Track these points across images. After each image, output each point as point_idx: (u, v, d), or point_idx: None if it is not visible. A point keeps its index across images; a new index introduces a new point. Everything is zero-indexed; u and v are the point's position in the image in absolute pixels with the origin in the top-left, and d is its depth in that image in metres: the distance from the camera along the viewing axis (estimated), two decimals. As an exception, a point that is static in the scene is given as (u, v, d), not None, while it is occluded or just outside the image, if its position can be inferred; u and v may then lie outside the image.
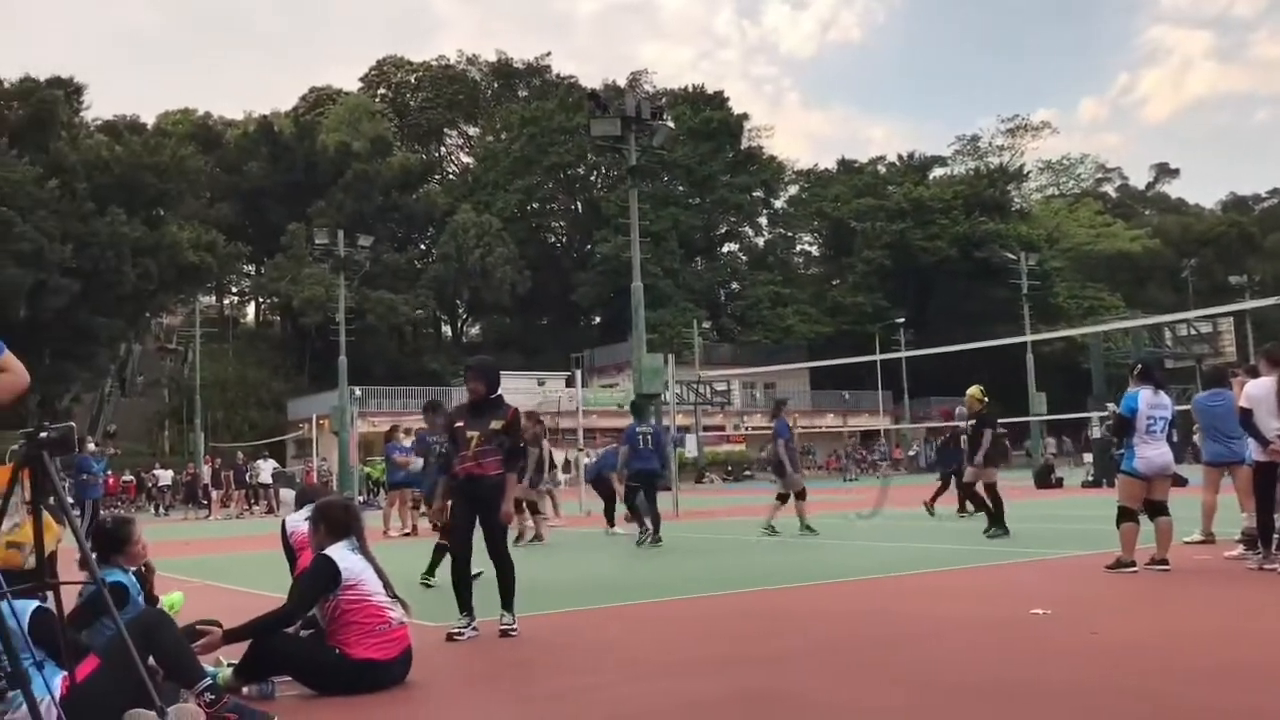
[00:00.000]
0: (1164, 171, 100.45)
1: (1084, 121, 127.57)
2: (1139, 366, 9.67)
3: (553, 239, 78.45)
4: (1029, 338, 40.49)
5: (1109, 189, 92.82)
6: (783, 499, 14.65)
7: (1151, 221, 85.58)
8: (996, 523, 12.98)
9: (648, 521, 13.87)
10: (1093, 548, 10.66)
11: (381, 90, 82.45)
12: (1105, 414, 13.66)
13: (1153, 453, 8.93)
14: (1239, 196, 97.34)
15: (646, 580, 10.20)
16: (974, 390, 14.15)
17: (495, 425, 6.83)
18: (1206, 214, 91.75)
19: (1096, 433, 27.73)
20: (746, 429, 57.57)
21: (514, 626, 6.74)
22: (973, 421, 14.02)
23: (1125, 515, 8.97)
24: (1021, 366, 46.42)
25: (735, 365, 54.97)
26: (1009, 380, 54.08)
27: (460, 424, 6.93)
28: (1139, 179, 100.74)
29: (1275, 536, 8.68)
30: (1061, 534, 13.82)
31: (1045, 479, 28.85)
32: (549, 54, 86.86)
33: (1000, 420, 15.21)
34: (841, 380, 60.54)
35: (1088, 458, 30.97)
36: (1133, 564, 8.80)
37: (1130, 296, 70.53)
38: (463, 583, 6.79)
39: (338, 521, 5.51)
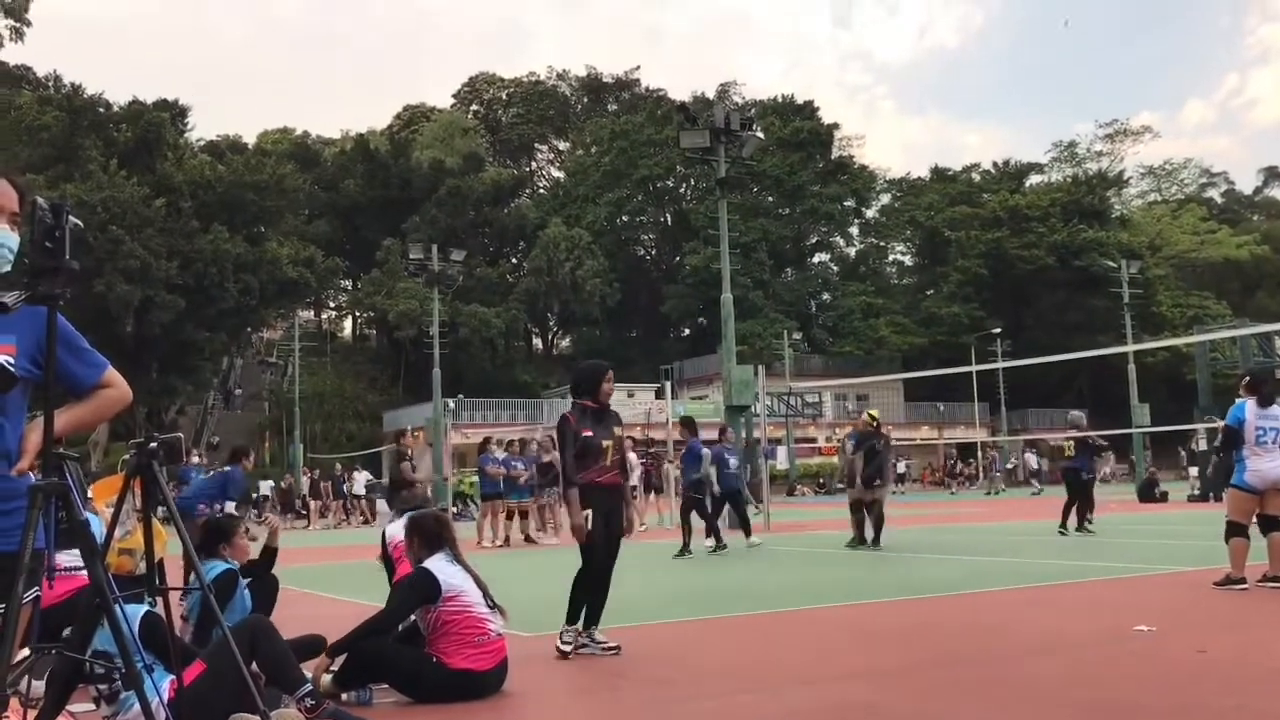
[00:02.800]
0: (1273, 175, 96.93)
1: (1190, 124, 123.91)
2: (1247, 377, 9.41)
3: (642, 251, 78.72)
4: (1131, 347, 39.40)
5: (1214, 194, 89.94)
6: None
7: (1260, 227, 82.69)
8: (859, 541, 14.47)
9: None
10: (1199, 564, 10.33)
11: (474, 107, 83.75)
12: (1211, 425, 13.47)
13: (1265, 465, 8.62)
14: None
15: (738, 592, 10.15)
16: (872, 413, 15.57)
17: (619, 432, 6.65)
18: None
19: (1203, 445, 26.86)
20: (839, 441, 56.94)
21: (614, 644, 6.54)
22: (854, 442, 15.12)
23: (1234, 530, 8.68)
24: (1123, 377, 45.13)
25: (827, 376, 54.49)
26: (1110, 392, 52.76)
27: (589, 433, 6.47)
28: (1246, 183, 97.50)
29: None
30: (1166, 549, 13.42)
31: (1149, 493, 28.05)
32: (638, 68, 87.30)
33: (1103, 433, 16.07)
34: (936, 392, 59.60)
35: (1193, 471, 30.03)
36: (1243, 580, 8.51)
37: (1238, 304, 68.24)
38: (590, 597, 6.56)
39: (431, 534, 5.58)
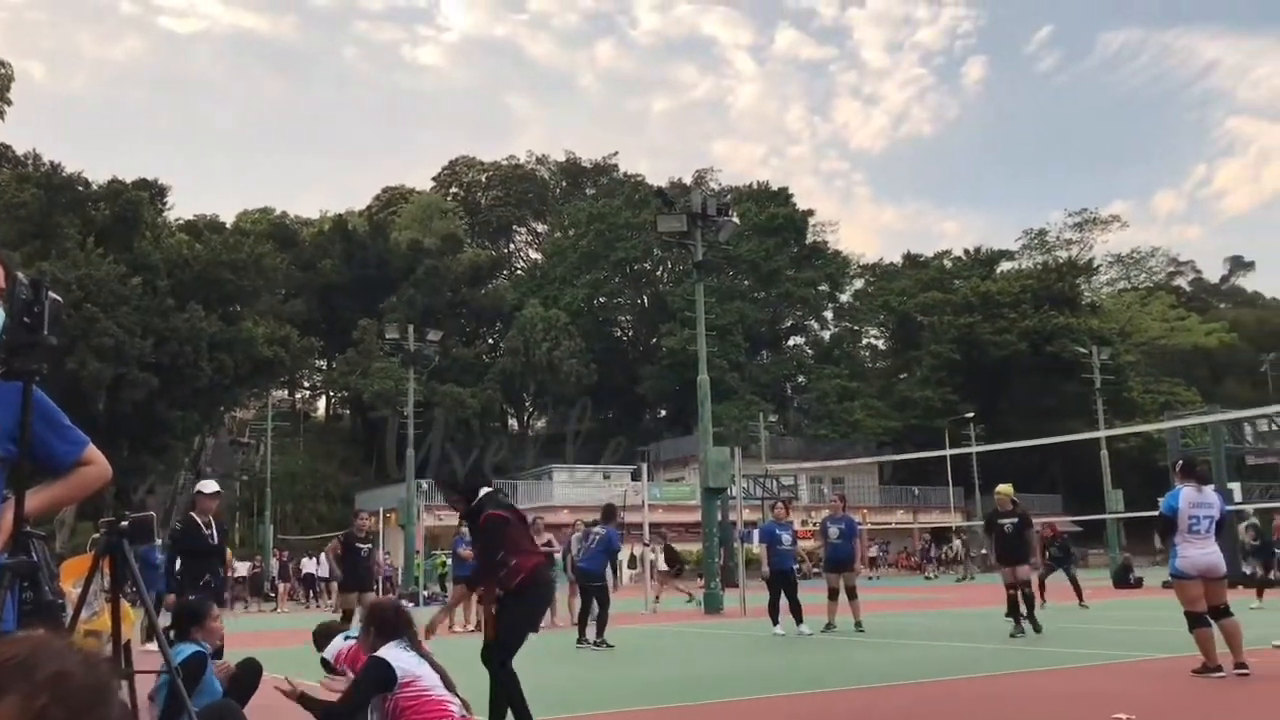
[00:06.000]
0: (1239, 264, 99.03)
1: (1160, 213, 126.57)
2: (1180, 463, 9.46)
3: (619, 332, 79.05)
4: (1103, 433, 39.62)
5: (1182, 282, 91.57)
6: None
7: (1227, 315, 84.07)
8: (1022, 620, 13.47)
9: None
10: (1176, 651, 10.28)
11: (453, 189, 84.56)
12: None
13: (1196, 552, 8.65)
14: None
15: (706, 679, 10.02)
16: (1007, 489, 14.26)
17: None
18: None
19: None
20: (815, 524, 56.76)
21: None
22: (1015, 520, 13.89)
23: (1193, 620, 8.66)
24: (1095, 463, 45.33)
25: (802, 459, 54.46)
26: (1083, 477, 52.98)
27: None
28: (1213, 272, 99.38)
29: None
30: (1143, 636, 13.37)
31: (1124, 578, 28.01)
32: (616, 153, 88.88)
33: (1077, 519, 16.25)
34: (911, 476, 59.63)
35: (1169, 557, 30.12)
36: (1219, 668, 8.48)
37: (1208, 392, 68.96)
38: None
39: (388, 623, 5.46)
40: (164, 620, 6.07)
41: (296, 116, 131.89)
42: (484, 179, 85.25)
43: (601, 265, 71.74)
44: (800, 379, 73.44)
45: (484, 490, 6.42)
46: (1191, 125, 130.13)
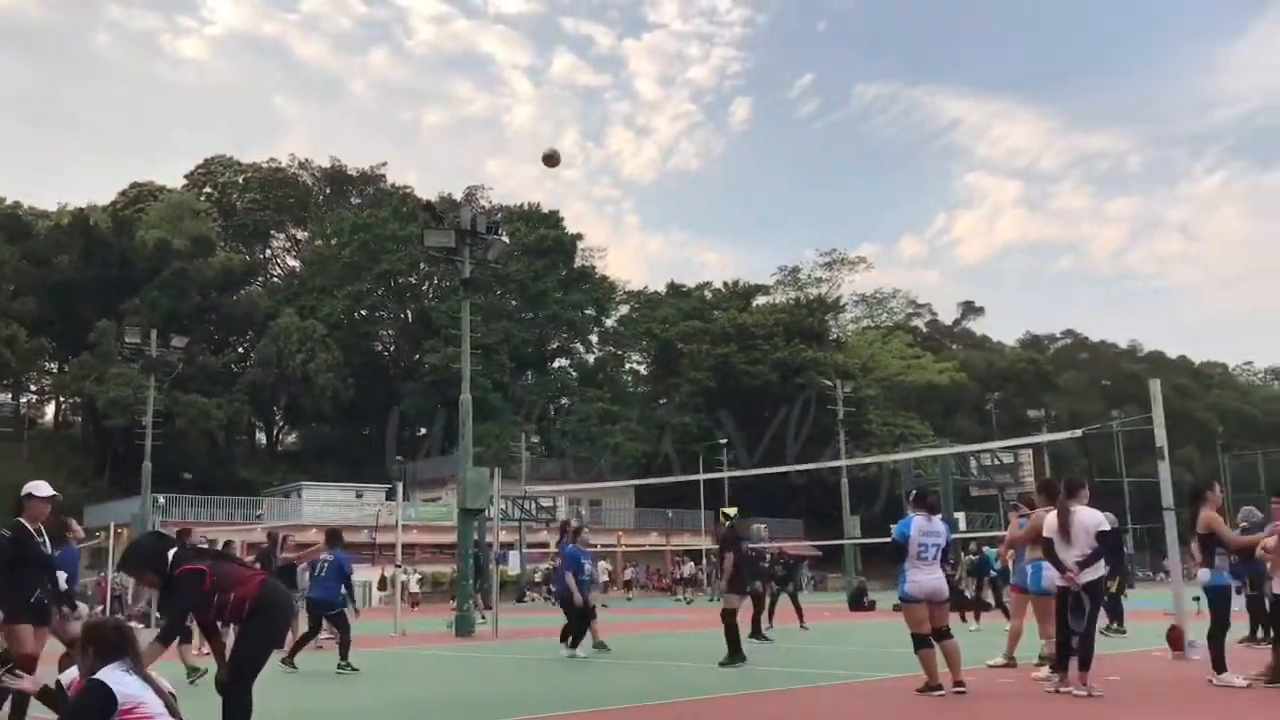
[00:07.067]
0: (970, 309, 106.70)
1: (904, 257, 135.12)
2: (913, 493, 10.10)
3: (380, 347, 77.19)
4: (844, 462, 41.68)
5: (919, 323, 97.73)
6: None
7: (958, 356, 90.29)
8: (735, 653, 12.45)
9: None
10: (903, 670, 10.89)
11: (207, 189, 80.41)
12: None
13: (923, 576, 9.23)
14: (1035, 336, 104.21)
15: (451, 701, 9.88)
16: (727, 511, 13.79)
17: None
18: (1008, 351, 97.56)
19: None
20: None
21: None
22: (717, 545, 13.54)
23: (919, 642, 9.23)
24: (837, 490, 47.67)
25: (562, 481, 54.74)
26: (824, 503, 55.62)
27: None
28: (948, 315, 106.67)
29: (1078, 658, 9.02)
30: (872, 656, 14.09)
31: (858, 601, 29.46)
32: (384, 163, 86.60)
33: (817, 544, 16.00)
34: (666, 499, 60.89)
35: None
36: (939, 687, 9.02)
37: (939, 426, 73.66)
38: None
39: (109, 643, 5.06)
40: None
41: (37, 101, 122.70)
42: (241, 180, 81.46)
43: (364, 277, 69.96)
44: (564, 401, 73.79)
45: (172, 552, 6.06)
46: (936, 176, 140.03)
